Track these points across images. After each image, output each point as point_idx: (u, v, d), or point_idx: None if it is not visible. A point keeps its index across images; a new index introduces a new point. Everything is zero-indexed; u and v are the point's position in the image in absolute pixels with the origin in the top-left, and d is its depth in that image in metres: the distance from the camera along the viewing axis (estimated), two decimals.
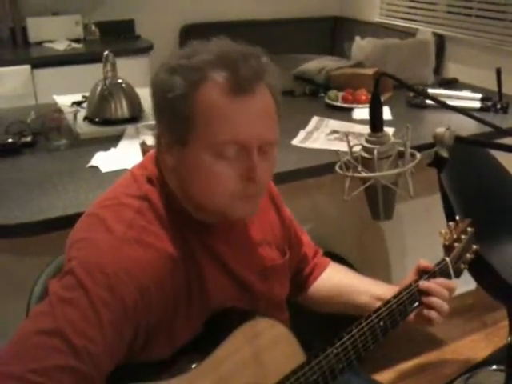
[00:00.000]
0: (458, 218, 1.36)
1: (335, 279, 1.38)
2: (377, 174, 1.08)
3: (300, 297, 1.40)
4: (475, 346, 2.45)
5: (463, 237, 1.32)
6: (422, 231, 2.42)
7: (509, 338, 1.91)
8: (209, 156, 0.99)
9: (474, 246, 1.36)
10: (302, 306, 1.41)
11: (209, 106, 0.98)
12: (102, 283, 0.94)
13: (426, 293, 1.22)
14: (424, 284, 1.22)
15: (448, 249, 1.29)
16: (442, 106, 1.36)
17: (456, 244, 1.30)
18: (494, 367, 2.28)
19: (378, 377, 2.14)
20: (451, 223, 1.33)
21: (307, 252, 1.38)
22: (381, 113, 1.10)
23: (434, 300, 1.21)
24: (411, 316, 1.23)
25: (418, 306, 1.22)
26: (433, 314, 1.21)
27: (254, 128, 1.00)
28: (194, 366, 1.02)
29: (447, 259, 1.28)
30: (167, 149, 1.04)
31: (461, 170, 1.87)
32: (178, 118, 1.00)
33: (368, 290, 1.31)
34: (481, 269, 1.68)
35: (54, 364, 0.87)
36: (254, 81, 0.99)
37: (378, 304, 1.19)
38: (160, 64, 1.05)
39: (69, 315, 0.91)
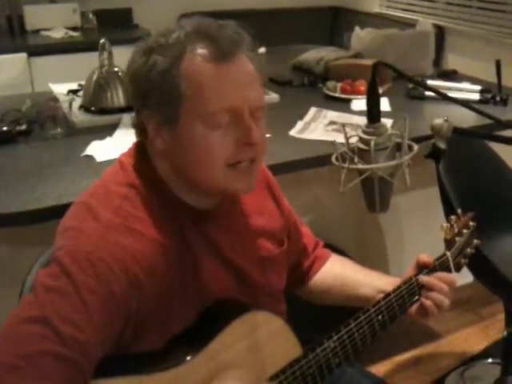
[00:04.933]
0: (459, 211, 1.34)
1: (337, 271, 1.37)
2: (373, 165, 1.06)
3: (301, 290, 1.39)
4: (471, 338, 2.45)
5: (465, 231, 1.30)
6: (420, 224, 2.42)
7: (505, 332, 1.90)
8: (202, 127, 0.99)
9: (475, 241, 1.34)
10: (301, 299, 1.39)
11: (194, 76, 0.98)
12: (87, 270, 0.93)
13: (427, 287, 1.21)
14: (424, 278, 1.21)
15: (449, 243, 1.28)
16: (442, 97, 1.34)
17: (457, 238, 1.29)
18: (490, 360, 2.28)
19: (374, 369, 2.14)
20: (453, 217, 1.31)
21: (307, 244, 1.37)
22: (378, 103, 1.08)
23: (433, 295, 1.20)
24: (412, 309, 1.22)
25: (417, 300, 1.21)
26: (428, 303, 1.20)
27: (243, 92, 1.00)
28: (190, 356, 1.01)
29: (448, 254, 1.27)
30: (156, 133, 1.03)
31: (459, 162, 1.86)
32: (165, 95, 0.99)
33: (371, 282, 1.30)
34: (478, 262, 1.66)
35: (40, 350, 0.86)
36: (233, 49, 1.00)
37: (381, 296, 1.19)
38: (133, 52, 1.04)
39: (54, 303, 0.90)
